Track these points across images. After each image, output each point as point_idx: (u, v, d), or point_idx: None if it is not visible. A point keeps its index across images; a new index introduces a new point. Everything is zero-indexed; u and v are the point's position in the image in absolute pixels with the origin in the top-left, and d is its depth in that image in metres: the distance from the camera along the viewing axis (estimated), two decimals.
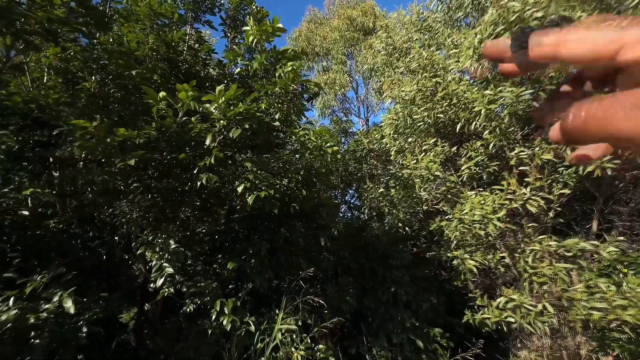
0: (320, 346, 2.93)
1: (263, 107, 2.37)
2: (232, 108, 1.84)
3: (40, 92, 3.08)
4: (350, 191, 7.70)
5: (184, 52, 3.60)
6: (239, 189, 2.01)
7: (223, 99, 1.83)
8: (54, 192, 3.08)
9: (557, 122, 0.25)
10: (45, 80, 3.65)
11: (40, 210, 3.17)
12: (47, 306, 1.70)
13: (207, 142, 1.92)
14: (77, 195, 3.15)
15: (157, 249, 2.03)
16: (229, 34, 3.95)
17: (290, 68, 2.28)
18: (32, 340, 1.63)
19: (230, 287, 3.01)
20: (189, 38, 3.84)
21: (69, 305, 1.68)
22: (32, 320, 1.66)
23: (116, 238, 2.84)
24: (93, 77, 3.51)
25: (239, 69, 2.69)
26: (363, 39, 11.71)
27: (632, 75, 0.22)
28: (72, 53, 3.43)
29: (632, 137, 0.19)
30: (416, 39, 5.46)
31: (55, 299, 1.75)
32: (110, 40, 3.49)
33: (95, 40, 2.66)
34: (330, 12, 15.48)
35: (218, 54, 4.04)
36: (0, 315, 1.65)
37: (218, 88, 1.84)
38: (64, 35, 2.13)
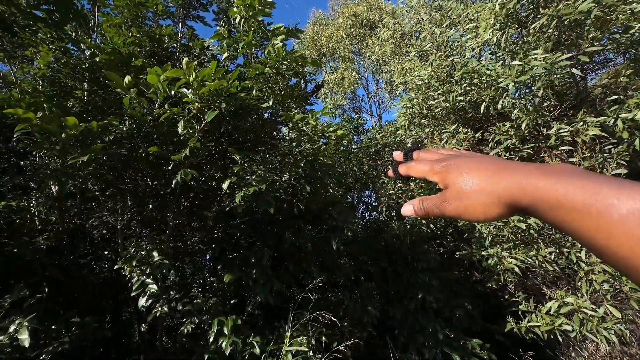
0: None
1: (254, 92, 2.04)
2: (207, 84, 1.52)
3: (25, 99, 2.92)
4: (366, 192, 7.31)
5: (176, 50, 3.37)
6: (225, 186, 1.68)
7: (194, 74, 1.51)
8: (52, 206, 2.89)
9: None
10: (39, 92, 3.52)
11: (36, 224, 2.99)
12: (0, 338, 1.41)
13: (180, 129, 1.60)
14: (74, 206, 2.95)
15: (135, 263, 1.73)
16: (222, 28, 3.69)
17: (280, 43, 1.94)
18: None
19: (232, 302, 2.67)
20: (182, 36, 3.62)
21: (24, 337, 1.39)
22: None
23: (106, 252, 2.60)
24: (85, 85, 3.34)
25: (226, 54, 2.39)
26: (369, 34, 11.35)
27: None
28: (62, 61, 3.29)
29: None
30: (426, 20, 5.02)
31: (12, 328, 1.47)
32: (102, 45, 3.32)
33: (74, 40, 2.43)
34: (334, 12, 15.27)
35: (213, 50, 3.79)
36: None
37: (185, 60, 1.53)
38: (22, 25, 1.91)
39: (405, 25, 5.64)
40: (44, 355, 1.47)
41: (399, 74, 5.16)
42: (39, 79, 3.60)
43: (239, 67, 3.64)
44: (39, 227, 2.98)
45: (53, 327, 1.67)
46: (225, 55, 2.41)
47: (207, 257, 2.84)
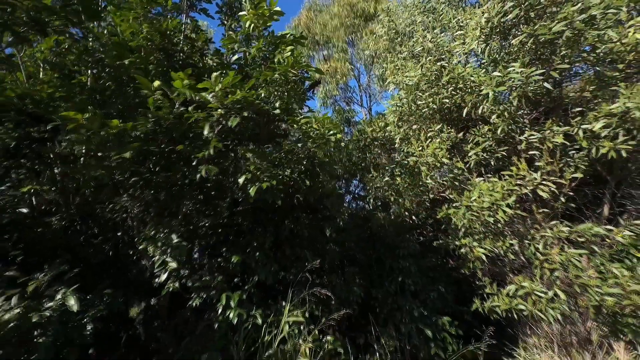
0: (329, 337, 2.91)
1: (262, 95, 2.28)
2: (229, 96, 1.76)
3: (36, 87, 3.02)
4: (354, 181, 7.63)
5: (180, 42, 3.49)
6: (240, 181, 1.95)
7: (220, 86, 1.75)
8: (56, 189, 3.05)
9: None
10: (40, 76, 3.59)
11: (43, 207, 3.16)
12: (50, 304, 1.67)
13: (205, 132, 1.85)
14: (79, 191, 3.12)
15: (159, 244, 1.99)
16: (225, 22, 3.83)
17: (289, 53, 2.18)
18: (35, 339, 1.60)
19: (235, 280, 2.98)
20: (185, 27, 3.73)
21: (72, 303, 1.65)
22: (35, 320, 1.63)
23: (119, 234, 2.82)
24: (89, 71, 3.43)
25: (236, 57, 2.59)
26: (364, 25, 11.43)
27: None
28: (66, 46, 3.35)
29: None
30: (419, 22, 5.27)
31: (59, 297, 1.72)
32: (105, 32, 3.40)
33: (87, 32, 2.56)
34: None
35: (215, 43, 3.92)
36: (2, 314, 1.62)
37: (214, 75, 1.76)
38: (53, 25, 2.05)
39: (400, 25, 5.86)
40: (85, 319, 1.74)
41: (391, 72, 5.42)
42: (41, 62, 3.66)
43: (238, 62, 3.80)
44: (44, 209, 3.15)
45: (88, 297, 1.93)
46: (235, 57, 2.61)
47: (211, 241, 3.11)
